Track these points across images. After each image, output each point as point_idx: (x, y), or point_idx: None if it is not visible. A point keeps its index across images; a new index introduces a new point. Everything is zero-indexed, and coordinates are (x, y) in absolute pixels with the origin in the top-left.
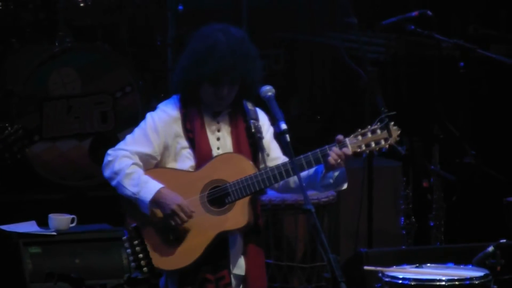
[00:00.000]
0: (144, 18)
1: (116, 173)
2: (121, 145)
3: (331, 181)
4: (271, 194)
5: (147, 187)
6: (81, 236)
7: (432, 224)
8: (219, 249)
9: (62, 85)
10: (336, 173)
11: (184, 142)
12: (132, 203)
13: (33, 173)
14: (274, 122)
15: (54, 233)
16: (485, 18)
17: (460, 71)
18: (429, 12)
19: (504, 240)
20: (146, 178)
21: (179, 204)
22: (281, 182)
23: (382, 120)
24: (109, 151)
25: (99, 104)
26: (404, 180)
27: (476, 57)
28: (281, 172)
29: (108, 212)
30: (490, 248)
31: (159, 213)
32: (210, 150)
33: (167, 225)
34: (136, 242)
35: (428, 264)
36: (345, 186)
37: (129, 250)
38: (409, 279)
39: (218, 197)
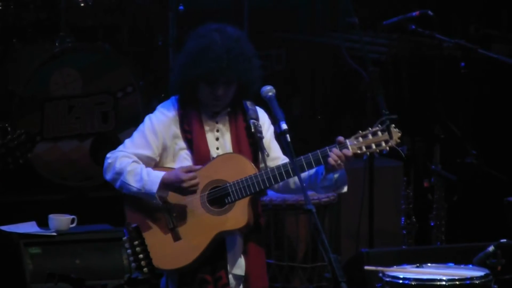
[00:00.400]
0: (145, 18)
1: (118, 173)
2: (120, 148)
3: (331, 183)
4: (272, 194)
5: (151, 179)
6: (81, 236)
7: (432, 224)
8: (217, 250)
9: (63, 86)
10: (336, 175)
11: (182, 143)
12: (136, 200)
13: (34, 173)
14: (275, 122)
15: (54, 234)
16: (486, 18)
17: (461, 71)
18: (430, 12)
19: (505, 240)
20: (147, 170)
21: (185, 177)
22: (281, 183)
23: (383, 122)
24: (108, 155)
25: (100, 104)
26: (405, 180)
27: (478, 57)
28: (281, 172)
29: (108, 212)
30: (491, 248)
31: (171, 195)
32: (208, 151)
33: (168, 219)
34: (136, 242)
35: (429, 264)
36: (345, 189)
37: (129, 251)
38: (409, 279)
39: (218, 197)
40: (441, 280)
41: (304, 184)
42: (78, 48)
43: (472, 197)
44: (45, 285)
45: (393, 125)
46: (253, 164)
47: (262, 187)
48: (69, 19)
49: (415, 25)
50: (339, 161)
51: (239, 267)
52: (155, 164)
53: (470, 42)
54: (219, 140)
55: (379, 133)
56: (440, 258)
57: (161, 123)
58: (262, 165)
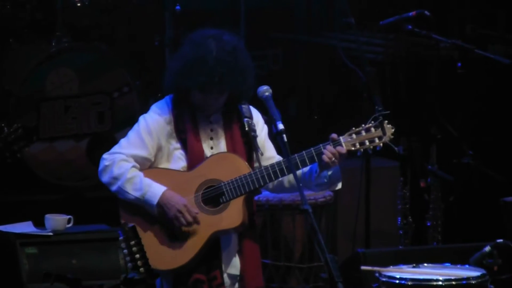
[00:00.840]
0: (142, 18)
1: (116, 178)
2: (116, 148)
3: (325, 180)
4: (268, 194)
5: (151, 190)
6: (77, 236)
7: (429, 224)
8: (211, 249)
9: (59, 85)
10: (330, 172)
11: (176, 143)
12: (131, 204)
13: (30, 173)
14: (271, 122)
15: (51, 234)
16: (482, 18)
17: (458, 71)
18: (427, 12)
19: (501, 240)
20: (148, 181)
21: (185, 204)
22: (275, 182)
23: (376, 118)
24: (105, 155)
25: (97, 104)
26: (401, 180)
27: (474, 58)
28: (275, 171)
29: (105, 212)
30: (487, 248)
31: (162, 215)
32: (202, 151)
33: (164, 225)
34: (133, 242)
35: (425, 264)
36: (339, 185)
37: (125, 251)
38: (406, 279)
39: (212, 197)
40: (437, 280)
41: (296, 182)
42: (74, 48)
43: (468, 197)
44: (41, 285)
45: (386, 121)
46: (247, 163)
47: (257, 186)
48: (66, 19)
49: (411, 25)
50: (333, 158)
51: (234, 266)
52: (150, 165)
53: (466, 42)
54: (214, 139)
55: (373, 129)
56: (437, 258)
57: (155, 123)
58: (256, 164)
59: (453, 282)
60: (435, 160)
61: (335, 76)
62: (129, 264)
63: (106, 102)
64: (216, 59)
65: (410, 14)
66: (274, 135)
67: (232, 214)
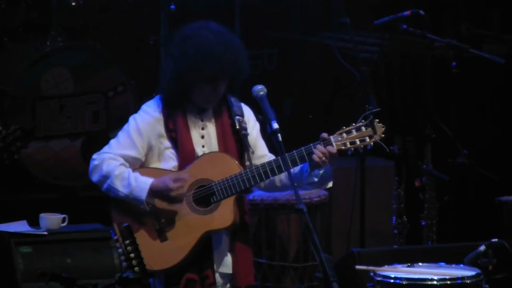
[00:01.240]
0: (137, 17)
1: (105, 177)
2: (105, 149)
3: (316, 179)
4: (263, 194)
5: (139, 185)
6: (72, 235)
7: (424, 223)
8: (203, 249)
9: (54, 85)
10: (321, 171)
11: (167, 143)
12: (123, 203)
13: (25, 172)
14: (266, 121)
15: (46, 233)
16: (477, 18)
17: (452, 71)
18: (422, 12)
19: (496, 240)
20: (135, 175)
21: (173, 186)
22: (267, 181)
23: (367, 117)
24: (94, 156)
25: (91, 104)
26: (396, 180)
27: (469, 57)
28: (266, 170)
29: (100, 211)
30: (482, 248)
31: (159, 202)
32: (193, 149)
33: (155, 219)
34: (127, 241)
35: (420, 264)
36: (330, 184)
37: (120, 250)
38: (401, 279)
39: (203, 197)
40: (432, 279)
41: (290, 182)
42: (69, 48)
43: (463, 196)
44: (36, 284)
45: (377, 120)
46: (238, 163)
47: (248, 185)
48: (61, 18)
49: (406, 25)
50: (323, 158)
51: (226, 265)
52: (141, 164)
53: (461, 42)
54: (205, 138)
55: (363, 128)
56: (432, 258)
57: (146, 123)
58: (247, 163)
59: (448, 282)
60: (430, 160)
61: (330, 75)
62: (124, 264)
63: (101, 102)
64: (218, 46)
65: (405, 13)
66: (269, 135)
67: (223, 214)
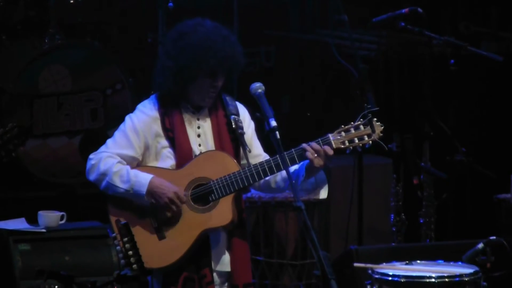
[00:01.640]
0: (135, 15)
1: (103, 174)
2: (102, 148)
3: (310, 187)
4: (260, 192)
5: (139, 180)
6: (70, 233)
7: (422, 221)
8: (201, 247)
9: (52, 82)
10: (316, 179)
11: (164, 142)
12: (120, 201)
13: (23, 170)
14: (264, 119)
15: (44, 230)
16: (476, 16)
17: (450, 68)
18: (420, 9)
19: (494, 237)
20: (134, 172)
21: (175, 191)
22: (262, 181)
23: (365, 116)
24: (91, 156)
25: (89, 101)
26: (394, 177)
27: (467, 55)
28: (264, 169)
29: (98, 209)
30: (480, 245)
31: (153, 203)
32: (190, 148)
33: (152, 217)
34: (125, 239)
35: (418, 261)
36: (324, 194)
37: (118, 247)
38: (399, 276)
39: (202, 195)
40: (430, 277)
41: (286, 184)
42: (67, 45)
43: (461, 194)
44: (34, 281)
45: (375, 119)
46: (236, 161)
47: (246, 183)
48: (59, 16)
49: (404, 22)
50: (315, 154)
51: (224, 263)
52: (138, 163)
53: (459, 39)
54: (201, 136)
55: (362, 127)
56: (430, 255)
57: (142, 122)
58: (243, 161)
59: (446, 279)
60: (428, 157)
61: (328, 73)
62: (122, 261)
63: (99, 99)
64: (217, 40)
65: (403, 11)
66: (267, 132)
67: (222, 212)
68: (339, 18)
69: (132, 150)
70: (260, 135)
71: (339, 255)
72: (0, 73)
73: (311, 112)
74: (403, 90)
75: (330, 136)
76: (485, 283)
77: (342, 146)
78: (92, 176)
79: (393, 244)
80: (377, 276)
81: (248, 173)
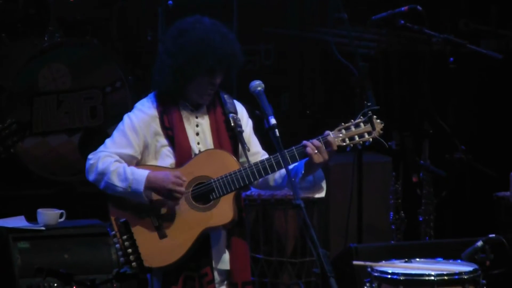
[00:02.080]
0: (134, 13)
1: (101, 174)
2: (101, 148)
3: (308, 185)
4: (259, 190)
5: (135, 178)
6: (70, 231)
7: (421, 219)
8: (201, 246)
9: (52, 80)
10: (315, 177)
11: (163, 140)
12: (121, 200)
13: (23, 168)
14: (263, 117)
15: (43, 228)
16: (475, 13)
17: (450, 66)
18: (419, 7)
19: (493, 235)
20: (131, 169)
21: (172, 181)
22: (260, 180)
23: (366, 113)
24: (90, 156)
25: (89, 99)
26: (393, 175)
27: (467, 53)
28: (265, 167)
29: (97, 207)
30: (479, 243)
31: (155, 195)
32: (189, 147)
33: (153, 216)
34: (125, 237)
35: (417, 259)
36: (322, 193)
37: (118, 245)
38: (398, 274)
39: (202, 194)
40: (429, 275)
41: (284, 182)
42: (67, 43)
43: (460, 192)
44: (33, 279)
45: (375, 116)
46: (236, 159)
47: (247, 182)
48: (58, 14)
49: (404, 20)
50: (316, 151)
51: (224, 262)
52: (137, 162)
53: (459, 37)
54: (200, 134)
55: (362, 124)
56: (429, 253)
57: (141, 121)
58: (242, 159)
59: (445, 277)
60: (428, 155)
61: (327, 71)
62: (121, 259)
63: (99, 97)
64: (216, 38)
65: (403, 9)
66: (266, 130)
67: (223, 211)
68: (339, 16)
69: (131, 149)
70: (259, 133)
71: (338, 253)
72: (0, 71)
73: (310, 110)
74: (403, 88)
75: (331, 133)
76: (484, 281)
77: (343, 144)
78: (91, 176)
79: (392, 242)
80: (376, 274)
81: (249, 171)
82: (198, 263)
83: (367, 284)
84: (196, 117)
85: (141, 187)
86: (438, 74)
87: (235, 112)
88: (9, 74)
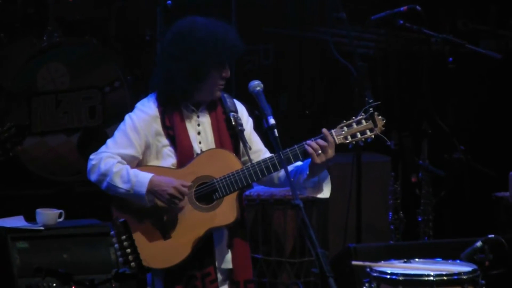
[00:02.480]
0: (133, 13)
1: (103, 175)
2: (102, 148)
3: (312, 185)
4: (259, 189)
5: (139, 180)
6: (69, 231)
7: (420, 219)
8: (204, 246)
9: (51, 80)
10: (319, 178)
11: (164, 140)
12: (124, 201)
13: (22, 168)
14: (262, 116)
15: (42, 228)
16: (474, 13)
17: (449, 66)
18: (418, 7)
19: (493, 235)
20: (134, 171)
21: (174, 186)
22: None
23: (367, 110)
24: (92, 156)
25: (88, 99)
26: (392, 175)
27: (466, 52)
28: (268, 166)
29: (96, 207)
30: (479, 243)
31: (156, 201)
32: (191, 146)
33: (157, 217)
34: (124, 237)
35: (416, 259)
36: (326, 193)
37: (117, 245)
38: (397, 274)
39: (206, 194)
40: (428, 275)
41: (287, 177)
42: (66, 43)
43: (459, 192)
44: (32, 279)
45: (377, 113)
46: (238, 159)
47: (250, 181)
48: (57, 13)
49: (403, 20)
50: (319, 151)
51: (227, 261)
52: (138, 162)
53: (458, 37)
54: (201, 134)
55: (363, 121)
56: (428, 253)
57: (142, 121)
58: (243, 157)
59: (444, 278)
60: (427, 155)
61: (326, 71)
62: (120, 259)
63: (98, 97)
64: (220, 31)
65: (402, 9)
66: (265, 130)
67: (226, 211)
68: (338, 16)
69: (133, 149)
70: (258, 133)
71: (337, 253)
72: None
73: (309, 109)
74: (402, 88)
75: (333, 131)
76: (483, 281)
77: (345, 141)
78: (93, 177)
79: (391, 242)
80: (375, 274)
81: (252, 171)
82: (201, 263)
83: (366, 284)
84: (198, 117)
85: (144, 189)
86: (437, 74)
87: (236, 111)
88: (7, 74)
